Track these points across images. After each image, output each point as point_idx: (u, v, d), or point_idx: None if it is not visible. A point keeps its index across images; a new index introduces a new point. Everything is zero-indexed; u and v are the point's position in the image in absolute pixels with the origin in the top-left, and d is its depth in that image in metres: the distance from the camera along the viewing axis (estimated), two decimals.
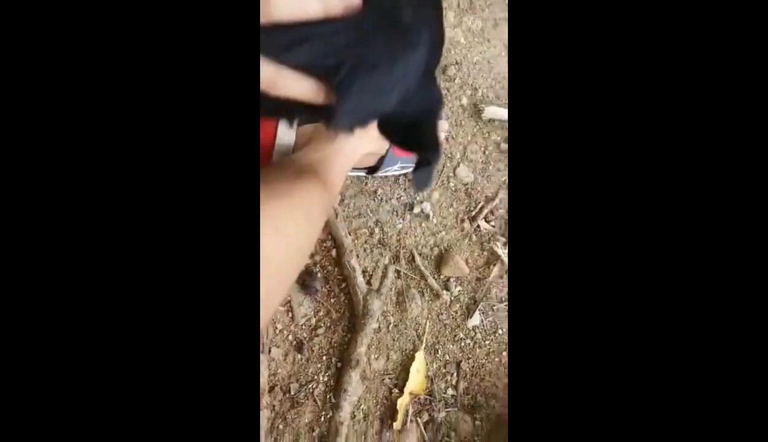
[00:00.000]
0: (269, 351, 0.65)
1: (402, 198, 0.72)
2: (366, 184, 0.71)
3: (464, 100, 0.76)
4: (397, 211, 0.72)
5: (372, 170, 0.65)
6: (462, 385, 0.70)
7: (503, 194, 0.76)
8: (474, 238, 0.74)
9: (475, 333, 0.72)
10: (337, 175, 0.52)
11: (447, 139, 0.74)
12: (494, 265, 0.73)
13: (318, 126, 0.57)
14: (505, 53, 0.79)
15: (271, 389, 0.64)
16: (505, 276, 0.74)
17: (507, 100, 0.78)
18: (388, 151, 0.62)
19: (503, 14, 0.80)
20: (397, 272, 0.71)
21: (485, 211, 0.74)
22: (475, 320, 0.72)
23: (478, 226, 0.74)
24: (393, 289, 0.70)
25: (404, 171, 0.70)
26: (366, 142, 0.58)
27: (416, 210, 0.72)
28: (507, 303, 0.73)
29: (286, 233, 0.40)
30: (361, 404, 0.66)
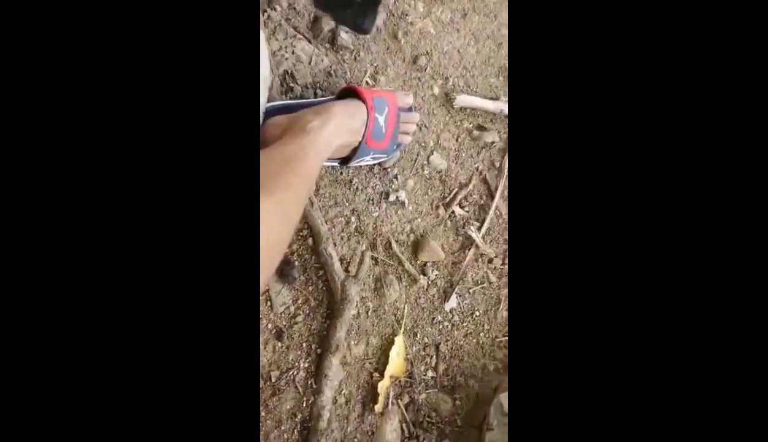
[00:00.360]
0: None
1: (377, 187, 0.73)
2: (341, 174, 0.72)
3: (436, 90, 0.78)
4: (372, 200, 0.73)
5: (345, 161, 0.66)
6: (441, 366, 0.71)
7: (476, 180, 0.77)
8: (449, 223, 0.75)
9: (453, 316, 0.73)
10: (312, 166, 0.53)
11: (420, 128, 0.76)
12: (469, 249, 0.75)
13: (292, 118, 0.58)
14: (473, 43, 0.81)
15: None
16: (480, 259, 0.75)
17: (479, 90, 0.80)
18: (360, 142, 0.63)
19: (471, 4, 0.81)
20: (375, 258, 0.72)
21: (459, 197, 0.76)
22: (452, 303, 0.73)
23: (453, 212, 0.76)
24: (371, 275, 0.72)
25: (376, 161, 0.71)
26: (340, 133, 0.59)
27: (392, 198, 0.73)
28: (482, 286, 0.75)
29: (266, 224, 0.41)
30: (342, 389, 0.67)
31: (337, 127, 0.57)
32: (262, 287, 0.66)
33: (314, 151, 0.53)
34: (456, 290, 0.74)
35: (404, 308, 0.72)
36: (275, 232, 0.43)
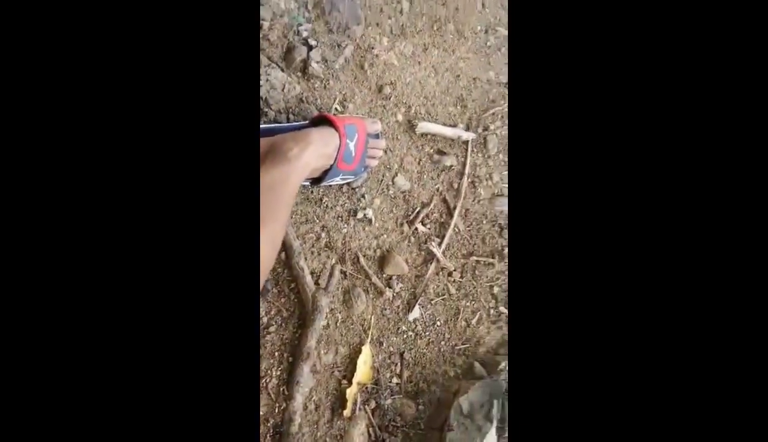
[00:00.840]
0: None
1: (346, 205, 0.79)
2: (312, 192, 0.77)
3: (399, 117, 0.85)
4: (341, 217, 0.78)
5: (316, 181, 0.71)
6: (405, 373, 0.76)
7: (437, 200, 0.84)
8: (412, 239, 0.81)
9: (416, 325, 0.79)
10: (293, 191, 0.58)
11: (385, 152, 0.82)
12: (431, 263, 0.81)
13: (272, 143, 0.63)
14: (434, 74, 0.88)
15: None
16: (441, 273, 0.82)
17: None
18: (332, 165, 0.68)
19: (431, 40, 0.89)
20: (343, 272, 0.77)
21: (421, 215, 0.82)
22: (415, 313, 0.79)
23: (416, 229, 0.82)
24: (340, 288, 0.76)
25: (345, 181, 0.76)
26: (316, 158, 0.64)
27: (359, 215, 0.79)
28: (443, 297, 0.81)
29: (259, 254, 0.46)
30: (312, 395, 0.71)
31: (314, 153, 0.63)
32: None
33: (295, 177, 0.59)
34: (419, 301, 0.79)
35: (371, 319, 0.77)
36: (267, 259, 0.48)
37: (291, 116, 0.75)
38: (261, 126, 0.70)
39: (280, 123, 0.74)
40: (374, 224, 0.80)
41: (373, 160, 0.77)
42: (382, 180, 0.81)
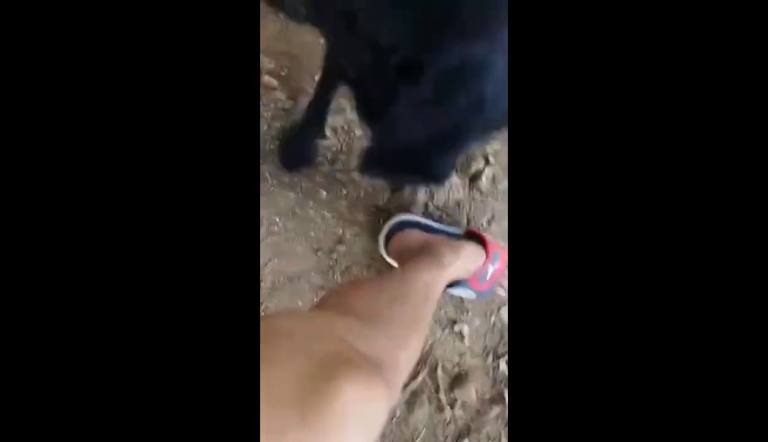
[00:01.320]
0: None
1: (449, 313, 0.80)
2: None
3: None
4: (440, 322, 0.79)
5: (446, 286, 0.73)
6: None
7: None
8: (491, 373, 0.81)
9: None
10: (438, 295, 0.61)
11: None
12: (497, 405, 0.80)
13: (429, 243, 0.66)
14: None
15: None
16: (502, 419, 0.80)
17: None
18: (466, 279, 0.71)
19: None
20: (417, 372, 0.77)
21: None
22: None
23: (499, 365, 0.81)
24: (409, 386, 0.77)
25: (468, 297, 0.78)
26: (461, 272, 0.67)
27: (456, 328, 0.80)
28: None
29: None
30: None
31: (462, 266, 0.66)
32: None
33: (443, 282, 0.62)
34: (468, 437, 0.78)
35: (422, 432, 0.76)
36: (413, 355, 0.49)
37: (445, 216, 0.78)
38: (419, 219, 0.74)
39: (433, 219, 0.77)
40: (465, 341, 0.80)
41: (501, 290, 0.78)
42: (490, 305, 0.82)
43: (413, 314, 0.54)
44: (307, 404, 0.26)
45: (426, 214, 0.77)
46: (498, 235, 0.83)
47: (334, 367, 0.27)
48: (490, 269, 0.72)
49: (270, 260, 0.78)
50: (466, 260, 0.67)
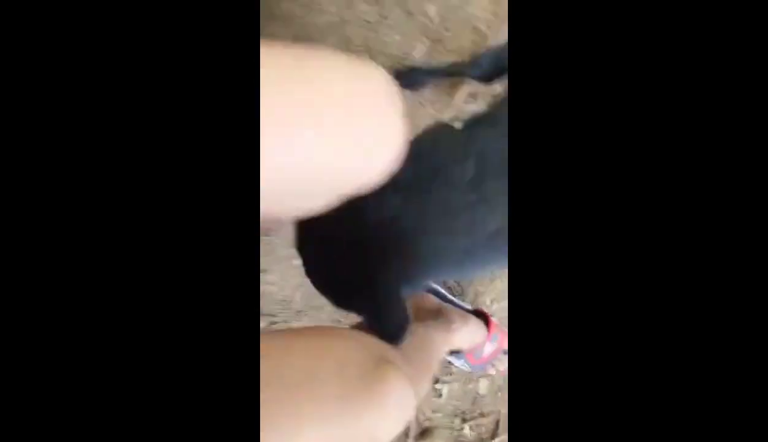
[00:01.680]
0: None
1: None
2: None
3: None
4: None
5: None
6: None
7: (496, 417, 0.92)
8: (455, 434, 0.89)
9: None
10: (442, 354, 0.69)
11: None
12: None
13: (443, 310, 0.74)
14: None
15: None
16: None
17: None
18: (463, 351, 0.80)
19: None
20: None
21: (477, 422, 0.90)
22: None
23: (463, 429, 0.90)
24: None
25: (460, 368, 0.87)
26: (463, 343, 0.75)
27: (437, 385, 0.88)
28: None
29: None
30: None
31: (465, 337, 0.76)
32: None
33: (447, 346, 0.72)
34: None
35: None
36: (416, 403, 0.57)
37: (455, 285, 0.87)
38: (438, 288, 0.82)
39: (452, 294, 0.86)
40: (441, 399, 0.88)
41: (493, 369, 0.87)
42: (472, 375, 0.90)
43: (421, 365, 0.62)
44: (369, 379, 0.37)
45: (444, 285, 0.85)
46: (498, 314, 0.92)
47: (386, 361, 0.39)
48: (488, 348, 0.80)
49: (300, 285, 0.86)
50: (471, 334, 0.76)
